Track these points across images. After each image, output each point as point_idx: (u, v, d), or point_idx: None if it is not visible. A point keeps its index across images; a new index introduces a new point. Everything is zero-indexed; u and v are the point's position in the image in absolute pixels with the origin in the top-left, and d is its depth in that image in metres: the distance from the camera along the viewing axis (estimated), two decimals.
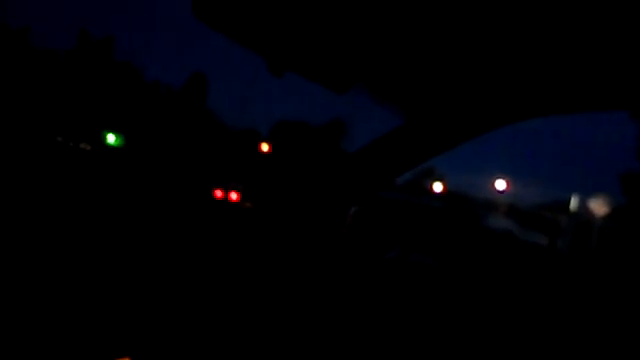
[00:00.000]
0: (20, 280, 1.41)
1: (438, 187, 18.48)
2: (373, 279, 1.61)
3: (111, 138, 14.98)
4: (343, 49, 1.01)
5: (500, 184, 16.85)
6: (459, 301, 2.35)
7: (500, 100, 1.39)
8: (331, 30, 0.97)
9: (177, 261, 1.53)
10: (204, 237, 1.64)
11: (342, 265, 1.54)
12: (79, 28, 18.98)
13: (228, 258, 1.50)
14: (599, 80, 1.28)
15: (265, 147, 20.12)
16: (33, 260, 1.49)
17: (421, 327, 1.89)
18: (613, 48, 1.14)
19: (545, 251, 10.91)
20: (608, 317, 2.79)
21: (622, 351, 2.13)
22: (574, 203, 11.73)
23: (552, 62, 1.23)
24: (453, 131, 1.45)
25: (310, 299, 1.47)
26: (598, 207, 11.32)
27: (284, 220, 1.54)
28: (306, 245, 1.51)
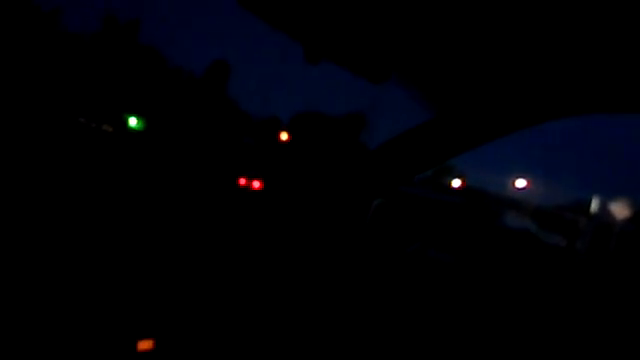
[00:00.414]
0: (40, 259, 1.43)
1: (457, 183, 18.37)
2: (392, 271, 1.61)
3: (133, 121, 15.12)
4: (382, 38, 1.00)
5: (520, 182, 16.70)
6: (473, 298, 2.34)
7: (531, 99, 1.38)
8: (371, 19, 0.97)
9: (198, 248, 1.54)
10: (224, 223, 1.65)
11: (363, 256, 1.54)
12: (106, 12, 19.13)
13: (248, 246, 1.51)
14: (628, 81, 1.26)
15: (284, 136, 20.14)
16: (54, 238, 1.51)
17: (432, 322, 1.89)
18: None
19: (563, 252, 10.81)
20: (623, 320, 2.76)
21: (637, 353, 2.11)
22: (595, 205, 11.59)
23: (582, 61, 1.22)
24: (481, 129, 1.44)
25: (331, 289, 1.48)
26: (619, 210, 11.16)
27: (305, 209, 1.54)
28: (328, 235, 1.52)
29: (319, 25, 0.95)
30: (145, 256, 1.51)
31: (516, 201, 16.11)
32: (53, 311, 1.33)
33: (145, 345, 1.36)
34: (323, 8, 0.93)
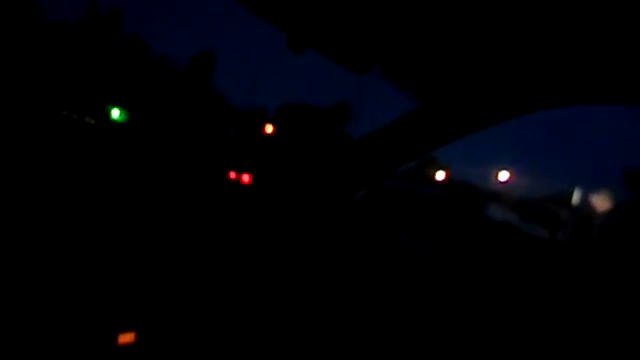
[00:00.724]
0: (25, 256, 1.41)
1: (440, 175, 18.46)
2: (376, 262, 1.61)
3: (115, 113, 14.97)
4: (366, 29, 1.00)
5: (503, 175, 16.84)
6: (457, 290, 2.36)
7: (513, 90, 1.39)
8: (355, 9, 0.96)
9: (187, 243, 1.53)
10: (213, 216, 1.64)
11: (347, 247, 1.54)
12: (88, 1, 18.85)
13: (234, 239, 1.50)
14: (610, 72, 1.27)
15: (269, 129, 20.05)
16: (39, 234, 1.49)
17: (417, 314, 1.90)
18: (628, 42, 1.13)
19: (545, 243, 10.95)
20: (606, 311, 2.80)
21: (621, 346, 2.14)
22: (576, 197, 11.73)
23: (567, 53, 1.22)
24: (464, 120, 1.44)
25: (316, 280, 1.48)
26: (600, 202, 11.32)
27: (290, 201, 1.54)
28: (312, 227, 1.51)
29: (303, 14, 0.94)
30: (133, 251, 1.50)
31: (499, 193, 16.26)
32: (45, 311, 1.31)
33: (127, 338, 1.35)
34: None
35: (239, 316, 1.43)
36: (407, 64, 1.39)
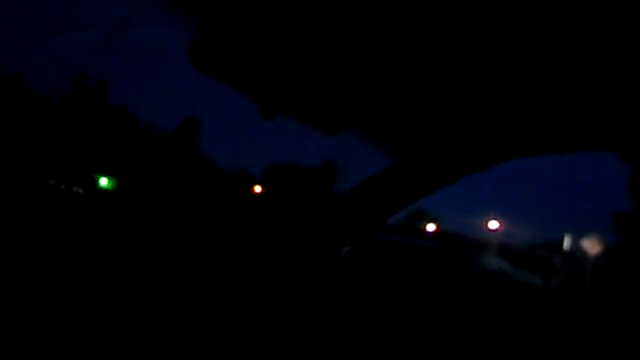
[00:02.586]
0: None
1: (431, 227, 18.49)
2: (366, 318, 1.60)
3: (103, 181, 15.01)
4: (333, 92, 1.05)
5: (493, 224, 16.90)
6: (454, 343, 2.33)
7: (489, 140, 1.42)
8: (320, 74, 1.01)
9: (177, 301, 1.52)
10: (198, 276, 1.63)
11: (335, 304, 1.54)
12: (75, 74, 19.23)
13: (224, 294, 1.50)
14: (589, 120, 1.30)
15: (258, 189, 20.16)
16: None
17: None
18: (604, 90, 1.17)
19: (539, 291, 10.85)
20: (604, 355, 2.77)
21: None
22: (567, 243, 11.75)
23: (542, 102, 1.26)
24: (443, 170, 1.47)
25: (304, 334, 1.46)
26: (591, 246, 11.33)
27: (277, 258, 1.54)
28: (299, 284, 1.51)
29: (268, 82, 0.99)
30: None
31: (490, 242, 16.26)
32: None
33: None
34: (271, 65, 0.97)
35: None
36: (379, 120, 1.44)
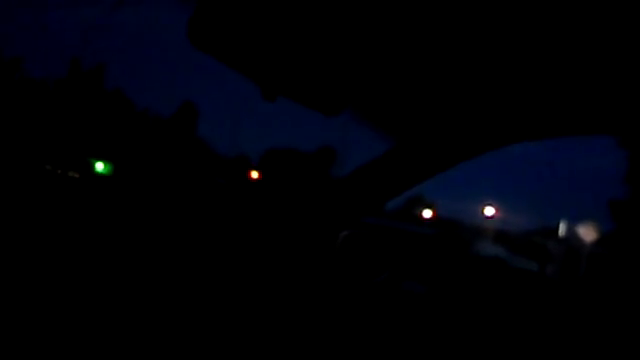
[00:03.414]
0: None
1: (427, 213, 18.55)
2: (362, 303, 1.61)
3: (100, 166, 14.96)
4: (334, 73, 1.04)
5: (489, 210, 16.97)
6: (450, 328, 2.34)
7: (487, 123, 1.42)
8: (322, 54, 1.00)
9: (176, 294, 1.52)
10: (195, 263, 1.63)
11: (332, 288, 1.54)
12: (71, 57, 19.09)
13: (220, 280, 1.50)
14: (587, 105, 1.30)
15: (255, 174, 20.16)
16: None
17: (407, 355, 1.88)
18: (603, 74, 1.16)
19: (534, 277, 10.92)
20: (598, 342, 2.79)
21: None
22: (563, 229, 11.79)
23: (540, 86, 1.26)
24: (441, 155, 1.47)
25: (300, 321, 1.47)
26: (587, 233, 11.38)
27: (274, 243, 1.54)
28: (296, 269, 1.51)
29: (269, 62, 0.98)
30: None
31: (486, 228, 16.34)
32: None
33: None
34: (273, 45, 0.96)
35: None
36: (378, 104, 1.44)
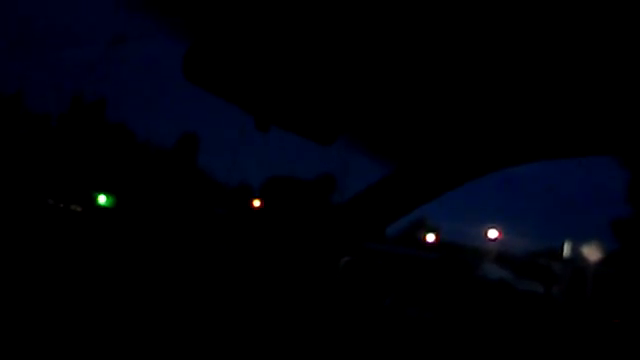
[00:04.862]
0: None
1: (431, 237, 18.43)
2: (366, 329, 1.60)
3: (102, 199, 14.97)
4: (327, 103, 1.06)
5: (492, 233, 16.86)
6: (456, 353, 2.32)
7: (487, 146, 1.42)
8: (314, 84, 1.02)
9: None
10: (197, 292, 1.63)
11: (335, 314, 1.53)
12: (73, 92, 19.27)
13: (225, 310, 1.50)
14: (589, 126, 1.30)
15: (257, 203, 20.12)
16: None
17: None
18: (604, 95, 1.17)
19: (541, 299, 10.81)
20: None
21: None
22: (567, 250, 11.72)
23: (541, 108, 1.26)
24: (441, 178, 1.48)
25: (304, 345, 1.46)
26: (591, 253, 11.31)
27: (277, 269, 1.54)
28: (299, 295, 1.51)
29: (261, 95, 1.00)
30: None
31: (490, 251, 16.22)
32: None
33: None
34: (264, 78, 0.98)
35: None
36: (375, 129, 1.45)
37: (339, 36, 1.00)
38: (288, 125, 1.07)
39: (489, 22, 1.00)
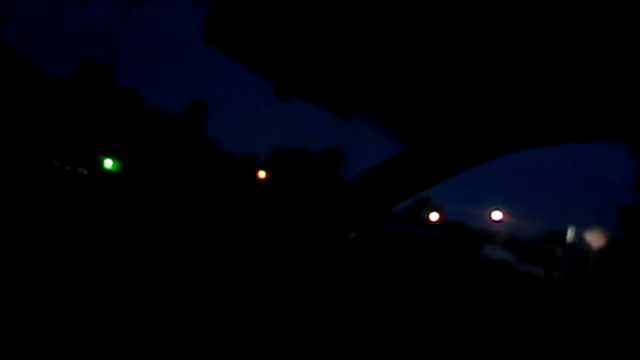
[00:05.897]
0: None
1: (434, 216, 18.48)
2: (370, 305, 1.61)
3: (108, 163, 15.04)
4: (349, 74, 1.03)
5: (496, 215, 16.88)
6: (455, 331, 2.34)
7: (500, 128, 1.41)
8: (337, 55, 1.00)
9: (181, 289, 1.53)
10: (199, 265, 1.63)
11: (340, 291, 1.54)
12: (82, 55, 19.22)
13: (227, 281, 1.50)
14: (598, 110, 1.29)
15: (262, 174, 20.18)
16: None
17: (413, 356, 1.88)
18: (614, 80, 1.16)
19: (541, 282, 10.87)
20: (604, 348, 2.77)
21: None
22: (571, 235, 11.71)
23: (551, 91, 1.25)
24: (453, 159, 1.47)
25: (308, 322, 1.46)
26: (595, 240, 11.31)
27: (282, 245, 1.54)
28: (304, 270, 1.51)
29: (285, 62, 0.97)
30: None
31: (494, 233, 16.26)
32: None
33: None
34: (290, 45, 0.95)
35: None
36: (392, 107, 1.43)
37: (366, 9, 0.97)
38: (309, 95, 1.04)
39: (501, 6, 0.99)
